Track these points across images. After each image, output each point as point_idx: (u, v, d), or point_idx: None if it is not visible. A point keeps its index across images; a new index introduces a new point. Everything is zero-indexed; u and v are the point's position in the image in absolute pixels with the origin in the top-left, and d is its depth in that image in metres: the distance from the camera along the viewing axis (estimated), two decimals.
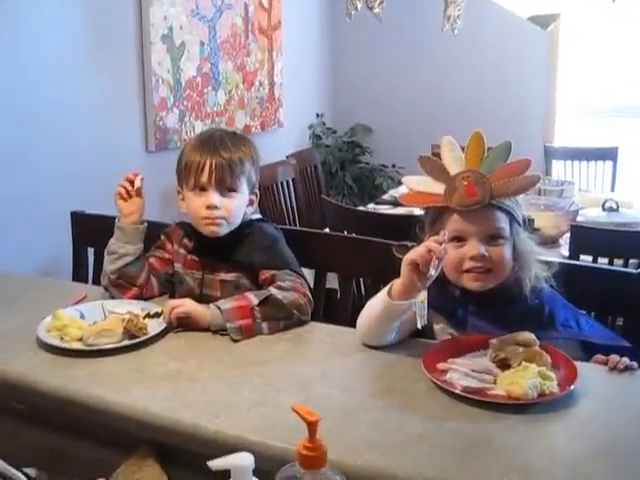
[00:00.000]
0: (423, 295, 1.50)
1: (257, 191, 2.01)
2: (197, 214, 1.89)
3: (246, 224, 1.96)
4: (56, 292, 2.05)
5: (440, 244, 1.49)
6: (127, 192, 1.95)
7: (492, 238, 1.61)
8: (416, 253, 1.50)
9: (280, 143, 4.74)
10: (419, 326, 1.51)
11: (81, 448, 1.51)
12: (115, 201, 1.96)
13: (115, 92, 3.49)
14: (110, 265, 1.94)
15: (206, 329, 1.74)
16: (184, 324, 1.76)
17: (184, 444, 1.35)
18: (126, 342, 1.67)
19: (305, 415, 1.01)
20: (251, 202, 1.98)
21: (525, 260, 1.64)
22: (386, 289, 1.59)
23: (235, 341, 1.70)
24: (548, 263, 1.68)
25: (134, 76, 3.59)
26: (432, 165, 1.66)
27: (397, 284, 1.56)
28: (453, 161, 1.64)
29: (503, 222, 1.62)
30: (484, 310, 1.65)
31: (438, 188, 1.63)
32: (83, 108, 3.28)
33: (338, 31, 5.40)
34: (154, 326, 1.74)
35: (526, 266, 1.64)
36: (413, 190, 1.68)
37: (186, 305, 1.76)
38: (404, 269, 1.53)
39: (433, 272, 1.49)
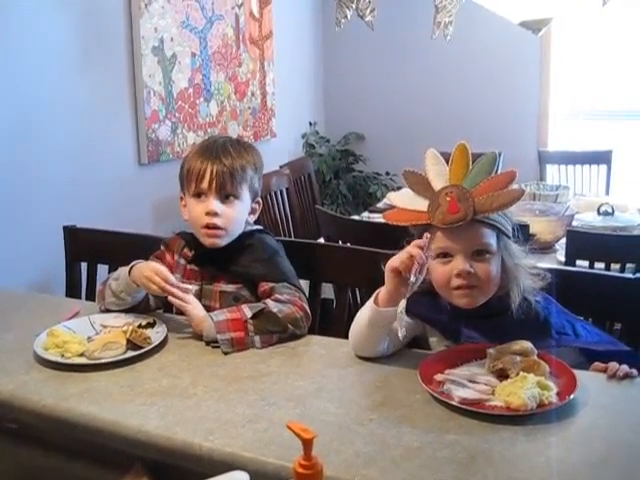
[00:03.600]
0: (402, 304, 1.50)
1: (260, 199, 2.00)
2: (197, 221, 1.88)
3: (247, 234, 1.95)
4: (49, 308, 2.03)
5: (422, 248, 1.48)
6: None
7: (478, 254, 1.57)
8: (397, 259, 1.50)
9: (273, 153, 4.73)
10: (400, 336, 1.49)
11: (75, 467, 1.49)
12: (152, 284, 1.77)
13: (107, 105, 3.47)
14: (114, 306, 1.90)
15: (200, 337, 1.75)
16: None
17: (178, 462, 1.33)
18: (131, 353, 1.66)
19: (300, 432, 1.00)
20: (253, 210, 1.97)
21: (514, 273, 1.61)
22: (373, 297, 1.59)
23: (225, 353, 1.69)
24: (542, 274, 1.65)
25: (125, 89, 3.58)
26: (416, 179, 1.62)
27: (382, 292, 1.56)
28: (437, 175, 1.60)
29: (489, 237, 1.59)
30: (477, 322, 1.63)
31: (422, 204, 1.60)
32: (74, 122, 3.27)
33: (329, 40, 5.40)
34: (154, 336, 1.74)
35: (515, 279, 1.61)
36: (397, 207, 1.65)
37: (189, 306, 1.78)
38: (387, 276, 1.53)
39: (413, 278, 1.48)
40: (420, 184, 1.61)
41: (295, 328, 1.76)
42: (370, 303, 1.59)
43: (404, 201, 1.64)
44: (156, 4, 3.66)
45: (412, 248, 1.49)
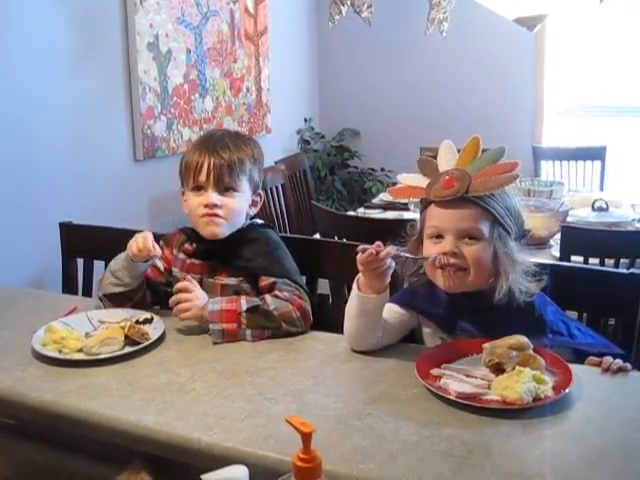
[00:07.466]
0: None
1: (261, 192, 2.01)
2: (196, 213, 1.89)
3: (250, 228, 1.96)
4: (45, 305, 2.04)
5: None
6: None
7: (468, 237, 1.61)
8: (362, 257, 1.55)
9: (269, 149, 4.68)
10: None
11: (74, 463, 1.49)
12: (139, 245, 1.83)
13: (102, 101, 3.47)
14: (111, 287, 1.91)
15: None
16: None
17: (178, 457, 1.33)
18: (129, 349, 1.67)
19: (299, 426, 1.00)
20: (254, 203, 1.99)
21: (504, 267, 1.61)
22: (354, 285, 1.62)
23: (214, 343, 1.71)
24: (539, 275, 1.65)
25: (121, 85, 3.58)
26: (426, 165, 1.70)
27: (361, 279, 1.61)
28: (446, 161, 1.67)
29: (481, 222, 1.60)
30: (473, 315, 1.64)
31: (424, 182, 1.68)
32: (70, 118, 3.27)
33: (324, 36, 5.40)
34: (152, 332, 1.75)
35: (504, 272, 1.60)
36: (402, 184, 1.74)
37: (195, 307, 1.77)
38: (359, 269, 1.59)
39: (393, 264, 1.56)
40: (429, 168, 1.69)
41: (289, 326, 1.76)
42: (355, 292, 1.62)
43: (410, 180, 1.72)
44: (151, 0, 3.65)
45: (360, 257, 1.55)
